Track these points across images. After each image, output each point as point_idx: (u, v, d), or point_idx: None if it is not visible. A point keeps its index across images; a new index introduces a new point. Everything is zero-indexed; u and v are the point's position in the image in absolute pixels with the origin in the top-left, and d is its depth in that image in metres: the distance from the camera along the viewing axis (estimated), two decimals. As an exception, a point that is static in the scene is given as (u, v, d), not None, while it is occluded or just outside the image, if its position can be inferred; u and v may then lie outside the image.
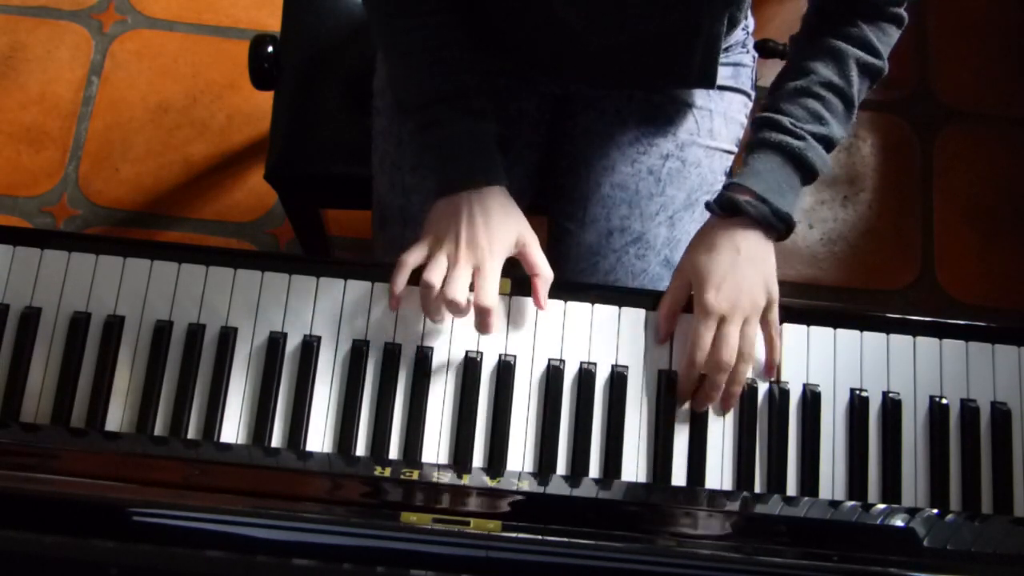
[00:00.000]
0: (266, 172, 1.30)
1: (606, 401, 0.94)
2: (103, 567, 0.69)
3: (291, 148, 1.30)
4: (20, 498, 0.72)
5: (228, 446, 0.91)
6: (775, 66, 1.13)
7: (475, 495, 0.79)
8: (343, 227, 1.76)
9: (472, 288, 0.93)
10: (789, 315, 0.97)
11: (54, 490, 0.73)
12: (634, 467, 0.93)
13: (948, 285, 1.82)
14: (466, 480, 0.84)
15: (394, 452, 0.92)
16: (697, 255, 0.96)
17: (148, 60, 1.89)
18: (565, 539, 0.72)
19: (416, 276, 0.93)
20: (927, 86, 1.95)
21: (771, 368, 0.96)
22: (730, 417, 0.95)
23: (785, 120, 0.97)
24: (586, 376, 0.94)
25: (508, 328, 0.96)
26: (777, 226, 0.95)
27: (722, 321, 0.93)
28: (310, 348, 0.94)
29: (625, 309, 0.97)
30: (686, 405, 0.94)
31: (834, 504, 0.91)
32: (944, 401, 0.95)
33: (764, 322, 0.96)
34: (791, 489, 0.93)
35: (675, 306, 0.96)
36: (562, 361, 0.95)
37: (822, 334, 0.97)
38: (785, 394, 0.95)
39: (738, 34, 1.16)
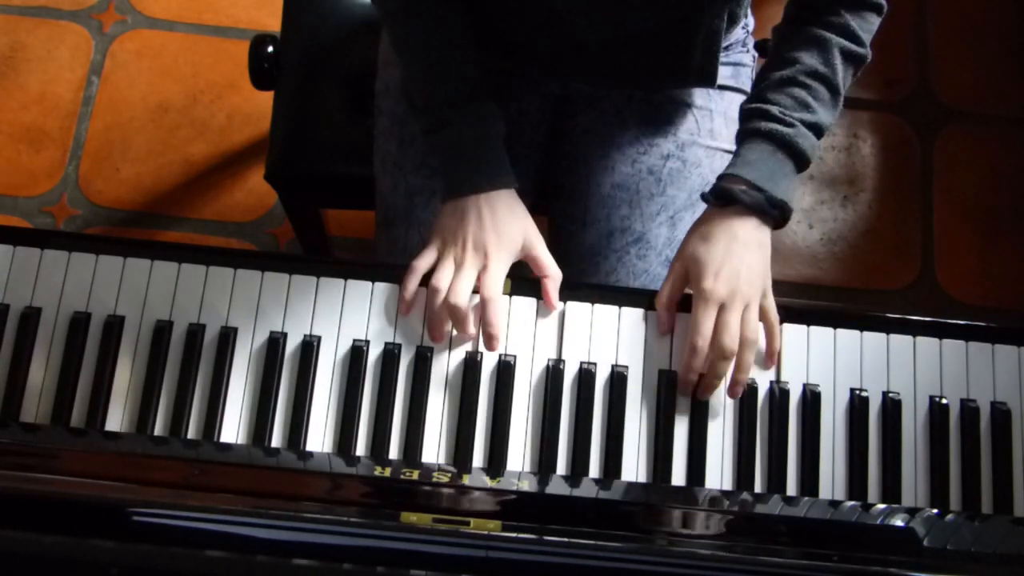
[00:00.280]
0: (266, 172, 1.30)
1: (606, 401, 0.94)
2: (103, 567, 0.68)
3: (291, 148, 1.30)
4: (20, 498, 0.72)
5: (228, 446, 0.91)
6: (775, 66, 1.13)
7: (475, 495, 0.78)
8: (343, 227, 1.76)
9: (476, 291, 0.94)
10: (789, 315, 0.97)
11: (54, 490, 0.73)
12: (634, 467, 0.93)
13: (948, 285, 1.82)
14: (466, 480, 0.84)
15: (394, 452, 0.92)
16: (694, 244, 0.96)
17: (148, 60, 1.89)
18: (565, 539, 0.72)
19: (424, 279, 0.94)
20: (927, 86, 1.95)
21: (772, 356, 0.96)
22: (730, 417, 0.95)
23: (773, 109, 0.97)
24: (586, 376, 0.94)
25: (508, 328, 0.96)
26: (772, 213, 0.95)
27: (722, 308, 0.93)
28: (310, 348, 0.94)
29: (625, 309, 0.97)
30: (688, 399, 0.94)
31: (834, 504, 0.91)
32: (944, 401, 0.95)
33: (761, 309, 0.95)
34: (791, 489, 0.93)
35: (674, 295, 0.96)
36: (562, 361, 0.95)
37: (822, 334, 0.97)
38: (785, 394, 0.95)
39: (738, 33, 1.16)
